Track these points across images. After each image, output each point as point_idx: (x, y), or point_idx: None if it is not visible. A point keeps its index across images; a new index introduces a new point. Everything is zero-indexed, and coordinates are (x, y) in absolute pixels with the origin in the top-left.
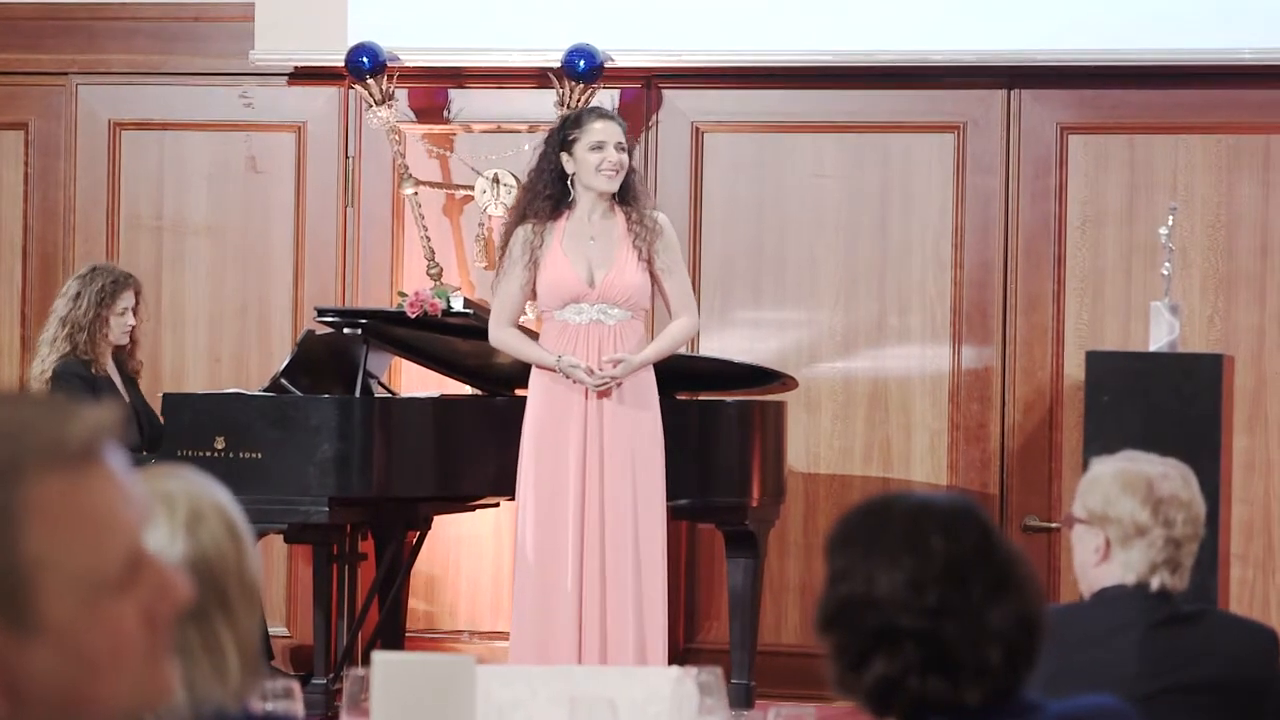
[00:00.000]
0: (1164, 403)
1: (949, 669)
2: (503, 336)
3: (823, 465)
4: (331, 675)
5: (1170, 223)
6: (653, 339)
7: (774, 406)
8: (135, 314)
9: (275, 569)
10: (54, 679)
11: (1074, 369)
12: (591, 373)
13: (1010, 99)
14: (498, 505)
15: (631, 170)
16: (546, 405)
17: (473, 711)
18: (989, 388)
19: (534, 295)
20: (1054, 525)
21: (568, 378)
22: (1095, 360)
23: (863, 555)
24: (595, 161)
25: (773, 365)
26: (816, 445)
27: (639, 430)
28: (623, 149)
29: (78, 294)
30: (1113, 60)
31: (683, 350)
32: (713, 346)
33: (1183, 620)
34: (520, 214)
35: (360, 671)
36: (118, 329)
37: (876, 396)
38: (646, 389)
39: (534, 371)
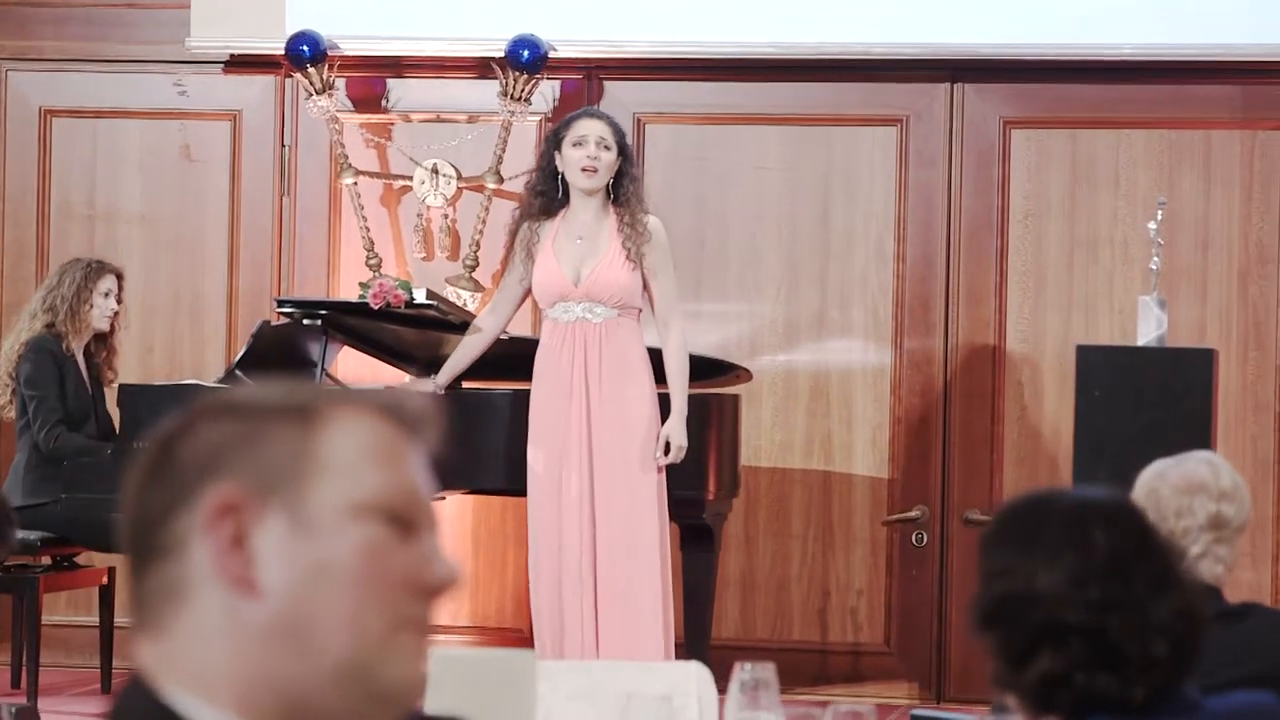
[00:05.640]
0: (1154, 397)
1: (1115, 664)
2: (473, 327)
3: (763, 458)
4: None
5: (1159, 217)
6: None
7: (730, 400)
8: (119, 301)
9: None
10: (299, 585)
11: (1015, 362)
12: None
13: (953, 92)
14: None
15: (628, 175)
16: (536, 397)
17: (533, 707)
18: (930, 381)
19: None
20: None
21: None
22: (1085, 354)
23: (1023, 552)
24: (576, 158)
25: (715, 357)
26: (757, 438)
27: (626, 429)
28: (607, 147)
29: (60, 276)
30: (1055, 55)
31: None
32: (654, 338)
33: (1229, 617)
34: (519, 213)
35: None
36: (100, 311)
37: (818, 389)
38: (634, 383)
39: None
